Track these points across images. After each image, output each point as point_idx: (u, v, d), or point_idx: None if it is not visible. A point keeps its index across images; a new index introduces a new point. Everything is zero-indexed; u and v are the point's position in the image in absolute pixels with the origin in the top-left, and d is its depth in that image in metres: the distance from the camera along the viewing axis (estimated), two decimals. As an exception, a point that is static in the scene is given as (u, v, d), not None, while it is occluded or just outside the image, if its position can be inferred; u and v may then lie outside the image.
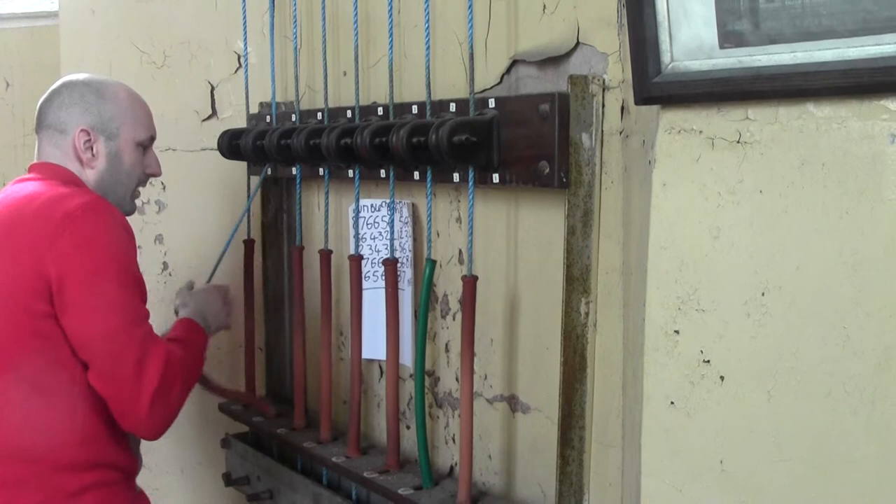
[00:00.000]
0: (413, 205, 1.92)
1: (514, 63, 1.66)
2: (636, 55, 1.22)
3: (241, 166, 2.31)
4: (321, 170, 2.05)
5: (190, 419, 2.57)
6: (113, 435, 1.72)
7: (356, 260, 1.93)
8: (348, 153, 1.81)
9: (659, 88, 1.20)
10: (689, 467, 1.20)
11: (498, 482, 1.77)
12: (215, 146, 2.20)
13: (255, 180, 2.31)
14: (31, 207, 1.66)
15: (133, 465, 1.81)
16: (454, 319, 1.85)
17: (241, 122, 2.33)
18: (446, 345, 1.89)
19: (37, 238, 1.61)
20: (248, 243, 2.28)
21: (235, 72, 2.43)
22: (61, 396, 1.65)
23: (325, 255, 2.03)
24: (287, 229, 2.33)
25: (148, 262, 2.43)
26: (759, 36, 1.10)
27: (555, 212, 1.57)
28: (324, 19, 2.03)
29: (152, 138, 1.88)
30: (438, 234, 1.87)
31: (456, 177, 1.70)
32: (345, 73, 2.08)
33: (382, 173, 1.87)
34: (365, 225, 2.01)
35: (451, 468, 1.89)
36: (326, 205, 2.04)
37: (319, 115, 2.04)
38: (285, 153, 1.99)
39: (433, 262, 1.74)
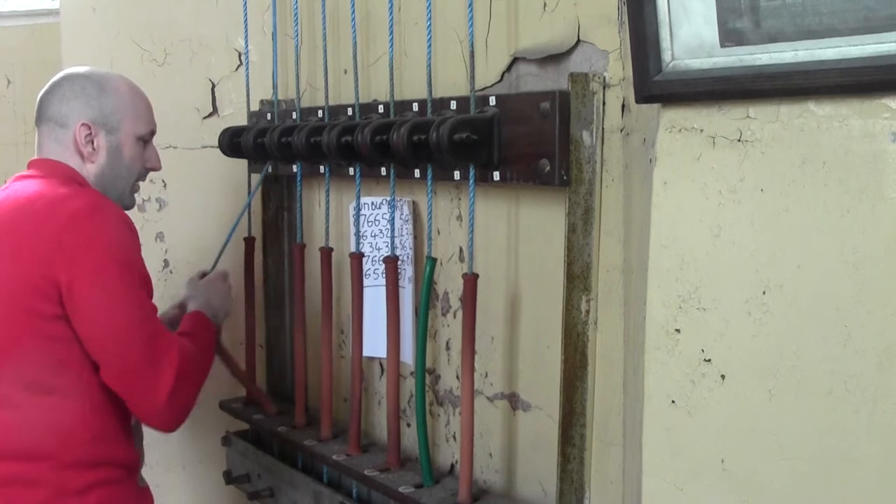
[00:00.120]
0: (414, 202, 1.92)
1: (515, 61, 1.66)
2: (637, 53, 1.22)
3: (241, 164, 2.31)
4: (322, 167, 2.05)
5: (191, 417, 2.57)
6: (118, 433, 1.73)
7: (357, 258, 1.93)
8: (349, 151, 1.81)
9: (660, 87, 1.20)
10: (691, 466, 1.20)
11: (499, 480, 1.77)
12: (216, 144, 2.20)
13: (256, 178, 2.31)
14: (34, 209, 1.66)
15: (137, 461, 1.82)
16: (455, 317, 1.85)
17: (241, 120, 2.33)
18: (447, 343, 1.89)
19: (42, 241, 1.61)
20: (249, 241, 2.28)
21: (236, 69, 2.42)
22: (67, 395, 1.65)
23: (326, 252, 2.03)
24: (288, 227, 2.32)
25: (149, 260, 2.40)
26: (759, 34, 1.10)
27: (555, 209, 1.57)
28: (324, 17, 2.03)
29: (153, 132, 1.88)
30: (439, 232, 1.87)
31: (456, 175, 1.70)
32: (345, 71, 2.08)
33: (383, 171, 1.87)
34: (366, 223, 2.01)
35: (452, 466, 1.89)
36: (327, 202, 2.04)
37: (320, 112, 2.04)
38: (286, 151, 1.99)
39: (434, 260, 1.74)
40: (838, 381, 1.06)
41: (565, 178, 1.49)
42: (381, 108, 1.87)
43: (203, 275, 2.07)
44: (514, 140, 1.56)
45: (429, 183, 1.73)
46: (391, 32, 1.85)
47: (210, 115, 2.50)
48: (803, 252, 1.09)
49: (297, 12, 2.12)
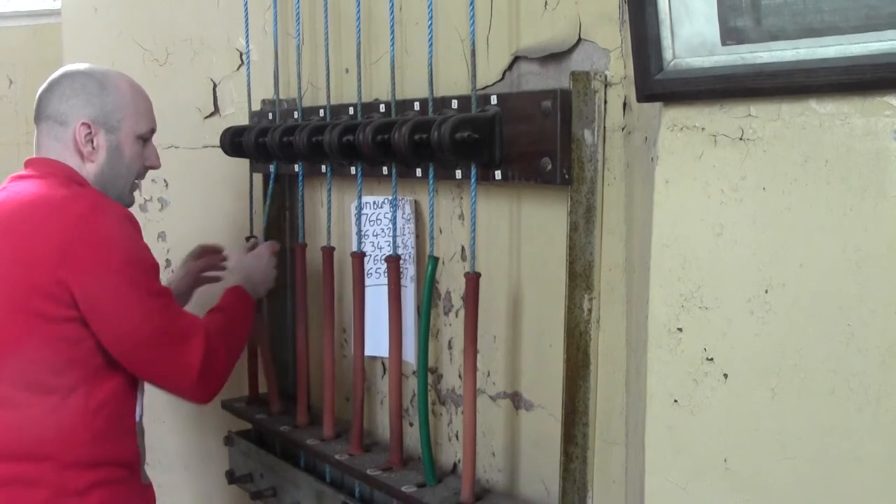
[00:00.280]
0: (415, 202, 1.92)
1: (516, 59, 1.66)
2: (638, 52, 1.22)
3: (243, 164, 2.31)
4: (323, 167, 2.05)
5: (193, 417, 2.58)
6: (119, 432, 1.73)
7: (359, 257, 1.93)
8: (350, 150, 1.81)
9: (661, 85, 1.20)
10: (693, 465, 1.19)
11: (501, 479, 1.77)
12: (217, 143, 2.20)
13: (258, 177, 2.31)
14: (36, 211, 1.65)
15: (139, 460, 1.81)
16: (457, 316, 1.85)
17: (243, 120, 2.33)
18: (449, 342, 1.89)
19: (46, 243, 1.61)
20: (251, 240, 2.28)
21: (238, 69, 2.42)
22: (68, 395, 1.65)
23: (328, 252, 2.03)
24: (289, 226, 2.32)
25: (151, 260, 2.43)
26: (760, 32, 1.10)
27: (557, 208, 1.57)
28: (326, 16, 2.03)
29: (153, 130, 1.87)
30: (441, 231, 1.87)
31: (458, 174, 1.69)
32: (347, 70, 2.08)
33: (385, 170, 1.87)
34: (367, 222, 2.01)
35: (455, 465, 1.89)
36: (329, 202, 2.04)
37: (322, 112, 2.04)
38: (288, 150, 1.99)
39: (436, 259, 1.74)
40: (841, 379, 1.06)
41: (567, 176, 1.48)
42: (382, 108, 1.87)
43: (255, 245, 2.12)
44: (516, 139, 1.56)
45: (430, 182, 1.73)
46: (392, 31, 1.84)
47: (211, 114, 2.50)
48: (806, 250, 1.09)
49: (298, 11, 2.12)
